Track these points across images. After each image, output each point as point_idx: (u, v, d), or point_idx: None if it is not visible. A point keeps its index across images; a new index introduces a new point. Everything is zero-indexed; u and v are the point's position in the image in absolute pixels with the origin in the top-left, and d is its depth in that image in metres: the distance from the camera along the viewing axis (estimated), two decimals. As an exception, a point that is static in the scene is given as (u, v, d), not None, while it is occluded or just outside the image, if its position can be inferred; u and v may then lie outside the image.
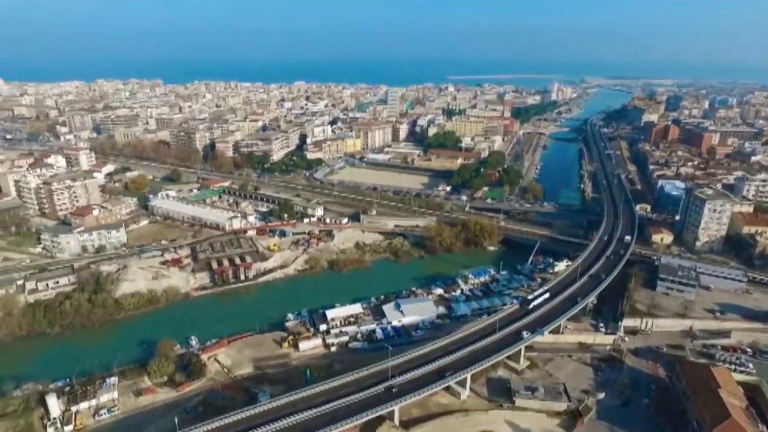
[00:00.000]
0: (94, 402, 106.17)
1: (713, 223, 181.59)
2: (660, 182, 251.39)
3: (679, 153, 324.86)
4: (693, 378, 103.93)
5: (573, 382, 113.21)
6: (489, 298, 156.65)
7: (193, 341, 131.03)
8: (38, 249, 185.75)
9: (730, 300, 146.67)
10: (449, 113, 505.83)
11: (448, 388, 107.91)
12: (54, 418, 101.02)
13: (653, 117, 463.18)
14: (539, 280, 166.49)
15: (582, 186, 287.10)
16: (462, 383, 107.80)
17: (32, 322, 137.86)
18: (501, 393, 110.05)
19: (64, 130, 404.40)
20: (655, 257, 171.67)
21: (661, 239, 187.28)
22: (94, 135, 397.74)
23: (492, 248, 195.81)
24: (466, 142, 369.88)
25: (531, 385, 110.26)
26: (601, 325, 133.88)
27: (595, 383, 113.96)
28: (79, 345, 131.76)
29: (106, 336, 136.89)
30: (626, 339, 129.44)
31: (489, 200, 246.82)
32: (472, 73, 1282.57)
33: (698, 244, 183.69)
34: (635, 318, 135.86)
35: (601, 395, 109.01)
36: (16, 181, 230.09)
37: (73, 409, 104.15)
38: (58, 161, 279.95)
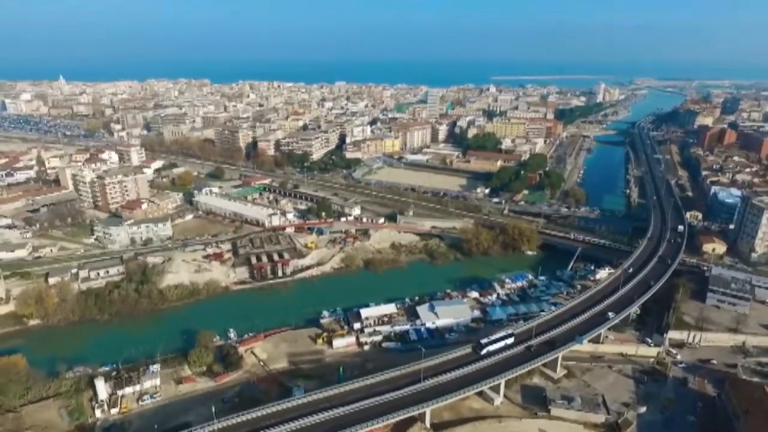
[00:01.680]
0: (138, 387, 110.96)
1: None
2: (713, 189, 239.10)
3: (736, 159, 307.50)
4: (745, 397, 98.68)
5: (612, 394, 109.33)
6: (526, 303, 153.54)
7: (231, 334, 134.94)
8: (91, 240, 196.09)
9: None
10: (490, 114, 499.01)
11: (481, 393, 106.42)
12: (101, 401, 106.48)
13: (708, 120, 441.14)
14: (579, 287, 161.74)
15: (628, 191, 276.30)
16: (496, 389, 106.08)
17: (84, 309, 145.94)
18: (536, 401, 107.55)
19: (117, 127, 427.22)
20: (705, 268, 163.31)
21: (713, 249, 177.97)
22: (145, 132, 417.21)
23: (530, 253, 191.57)
24: (507, 144, 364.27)
25: (567, 395, 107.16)
26: (647, 337, 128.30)
27: (636, 396, 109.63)
28: (126, 332, 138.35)
29: (150, 325, 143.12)
30: (676, 354, 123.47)
31: (523, 203, 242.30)
32: (515, 73, 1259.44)
33: (754, 255, 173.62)
34: (682, 330, 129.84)
35: (643, 409, 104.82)
36: (74, 175, 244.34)
37: (119, 393, 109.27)
38: (112, 157, 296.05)
